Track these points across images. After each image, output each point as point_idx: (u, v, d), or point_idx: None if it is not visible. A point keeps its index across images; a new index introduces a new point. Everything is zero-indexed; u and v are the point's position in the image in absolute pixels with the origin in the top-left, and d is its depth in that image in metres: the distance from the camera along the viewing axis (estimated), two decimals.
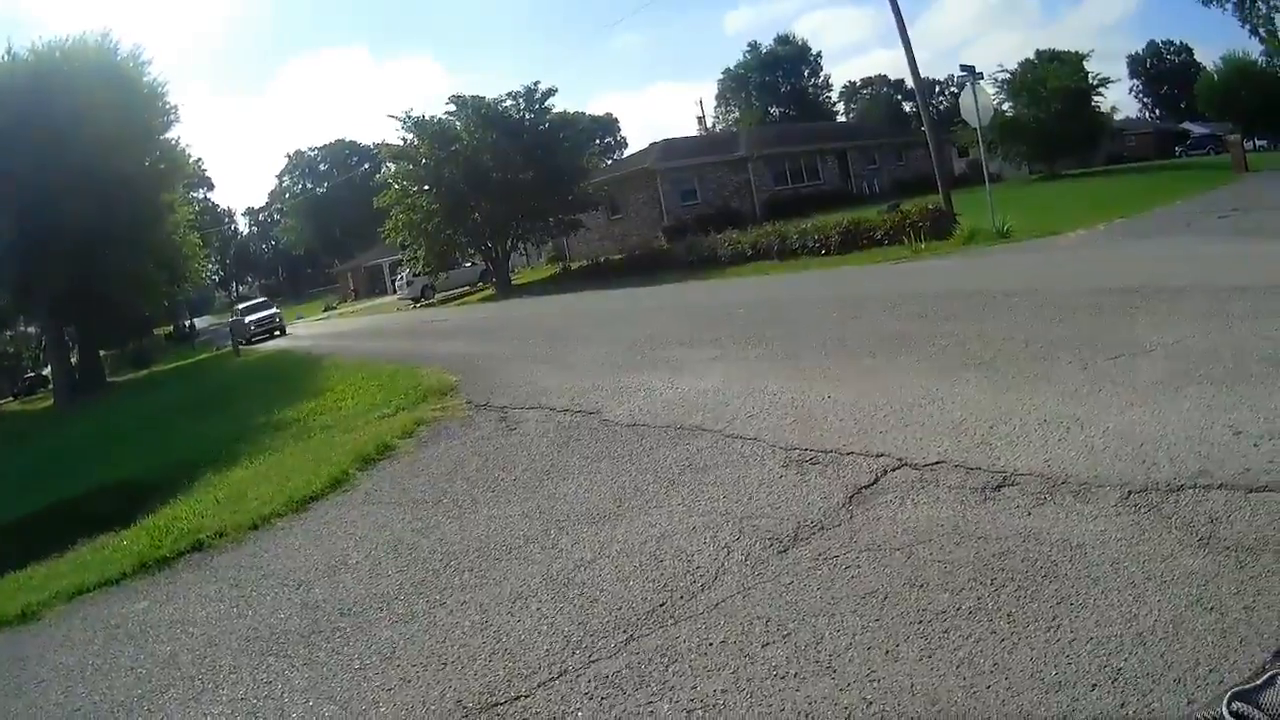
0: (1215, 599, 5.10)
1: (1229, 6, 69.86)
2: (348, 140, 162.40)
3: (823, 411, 10.69)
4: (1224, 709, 1.34)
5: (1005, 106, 72.71)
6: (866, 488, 7.87)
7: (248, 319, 70.90)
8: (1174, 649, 4.72)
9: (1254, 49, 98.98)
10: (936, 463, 8.12)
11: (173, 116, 59.17)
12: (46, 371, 66.31)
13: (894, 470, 8.16)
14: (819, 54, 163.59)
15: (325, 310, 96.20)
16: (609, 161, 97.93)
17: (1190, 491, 6.54)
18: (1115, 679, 4.59)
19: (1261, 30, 68.04)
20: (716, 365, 14.82)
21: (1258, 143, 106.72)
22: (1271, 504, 6.12)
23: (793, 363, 14.08)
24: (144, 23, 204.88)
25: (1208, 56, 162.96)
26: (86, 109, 46.93)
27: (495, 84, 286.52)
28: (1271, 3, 64.96)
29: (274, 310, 73.04)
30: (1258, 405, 8.08)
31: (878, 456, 8.60)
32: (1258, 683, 1.37)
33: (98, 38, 54.05)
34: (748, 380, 13.15)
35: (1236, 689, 1.41)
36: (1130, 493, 6.70)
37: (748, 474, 8.95)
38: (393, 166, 61.93)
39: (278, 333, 67.51)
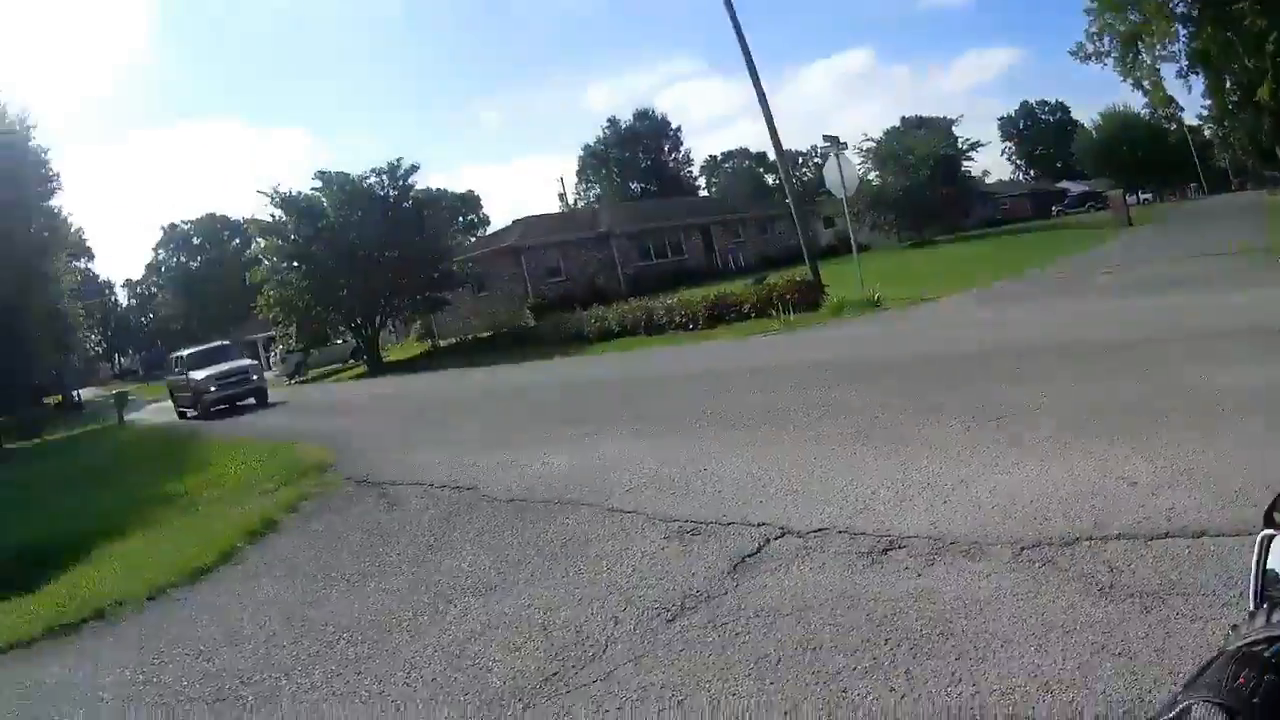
0: (1123, 644, 5.15)
1: (1109, 61, 71.10)
2: (219, 214, 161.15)
3: (701, 483, 10.72)
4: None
5: (871, 175, 73.64)
6: (750, 556, 7.89)
7: (200, 377, 42.11)
8: (1083, 694, 4.75)
9: (1135, 102, 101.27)
10: (820, 529, 8.14)
11: (55, 184, 59.06)
12: None
13: (777, 538, 8.18)
14: (679, 128, 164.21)
15: None
16: (473, 239, 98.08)
17: (1086, 544, 6.62)
18: None
19: (1146, 83, 69.32)
20: (590, 441, 14.82)
21: (1141, 196, 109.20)
22: (1176, 549, 6.23)
23: (667, 437, 14.10)
24: (18, 82, 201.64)
25: (1084, 114, 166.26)
26: None
27: (365, 154, 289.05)
28: (1156, 52, 66.18)
29: (246, 362, 45.16)
30: (1152, 455, 8.22)
31: (759, 525, 8.61)
32: (1170, 715, 1.34)
33: None
34: (623, 454, 13.22)
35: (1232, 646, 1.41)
36: (1023, 548, 6.77)
37: (630, 546, 8.97)
38: (262, 242, 61.32)
39: (253, 399, 42.56)
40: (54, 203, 59.34)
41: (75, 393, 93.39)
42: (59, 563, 14.13)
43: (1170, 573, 5.91)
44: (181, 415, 45.83)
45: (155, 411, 57.83)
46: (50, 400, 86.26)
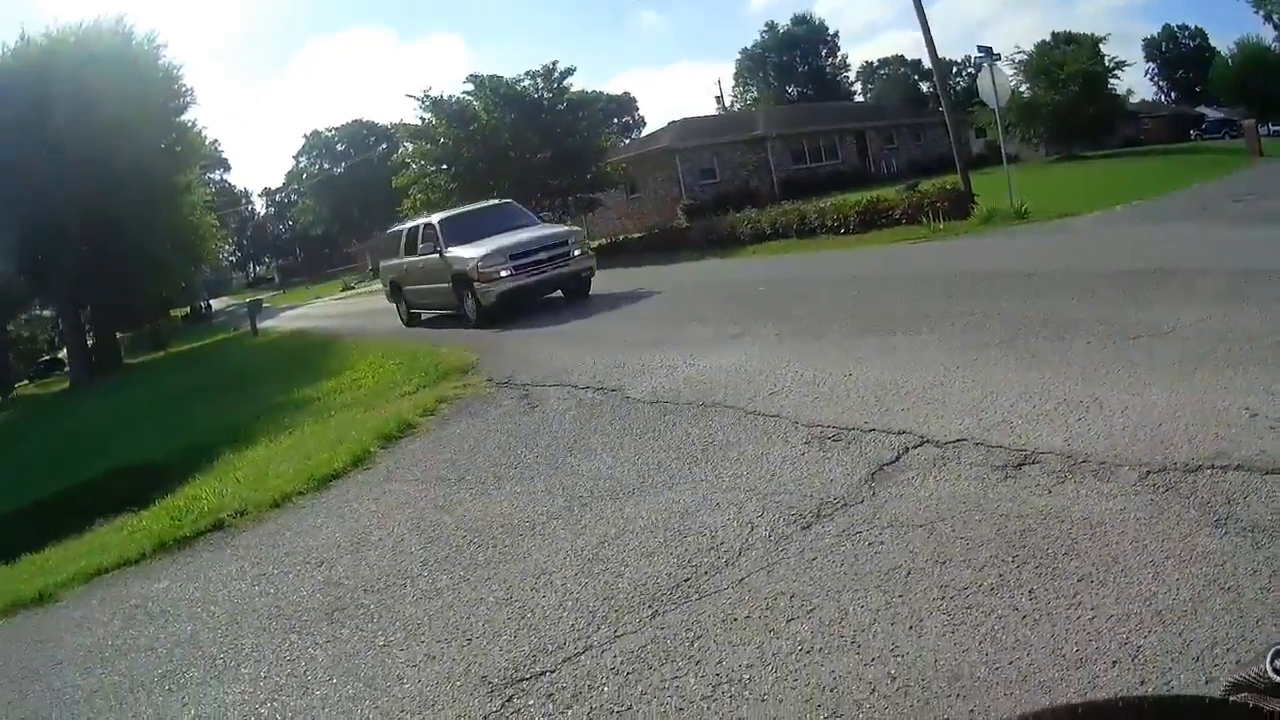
0: (1232, 579, 5.14)
1: None
2: (365, 120, 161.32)
3: (844, 389, 10.67)
4: (1268, 666, 1.28)
5: (1023, 89, 72.33)
6: (889, 465, 7.89)
7: (477, 255, 24.69)
8: (1192, 628, 4.75)
9: (1268, 35, 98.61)
10: (958, 440, 8.14)
11: (188, 99, 59.24)
12: (62, 354, 65.51)
13: (916, 448, 8.17)
14: (836, 34, 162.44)
15: (344, 289, 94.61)
16: (627, 141, 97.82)
17: (1208, 472, 6.56)
18: (1135, 656, 4.63)
19: (1275, 16, 67.72)
20: (738, 343, 14.75)
21: (1272, 128, 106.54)
22: None
23: (814, 340, 14.00)
24: (164, 5, 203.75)
25: (1222, 42, 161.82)
26: (101, 92, 46.81)
27: (518, 61, 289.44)
28: None
29: (556, 229, 28.51)
30: (1273, 389, 8.09)
31: (899, 434, 8.61)
32: (1268, 662, 1.28)
33: (112, 22, 54.01)
34: (769, 358, 13.15)
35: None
36: (1149, 472, 6.72)
37: (770, 451, 8.97)
38: (410, 146, 61.17)
39: (571, 286, 26.77)
40: (187, 117, 59.66)
41: (204, 303, 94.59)
42: (181, 477, 14.34)
43: None
44: (413, 319, 29.57)
45: (291, 319, 58.05)
46: (178, 312, 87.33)
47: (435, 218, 28.73)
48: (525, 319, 22.93)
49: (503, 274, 24.08)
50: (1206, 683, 4.28)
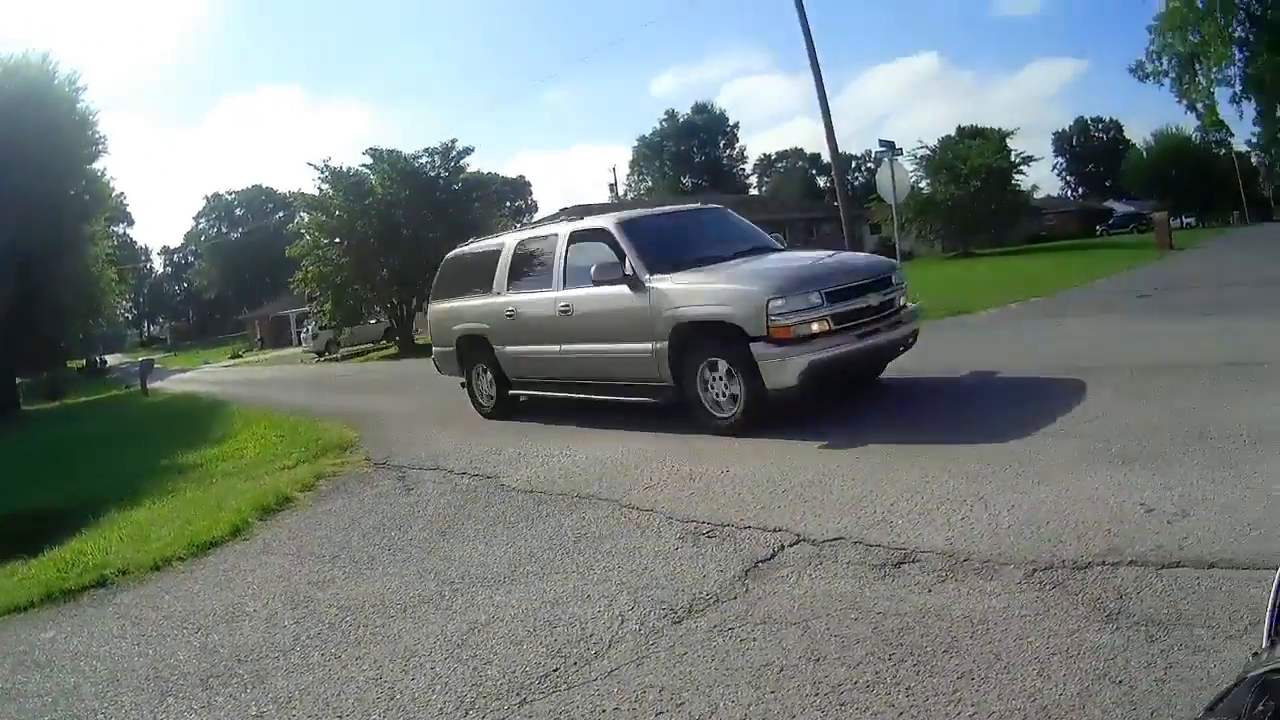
0: (1124, 672, 5.11)
1: (1166, 81, 70.92)
2: (265, 186, 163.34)
3: (720, 485, 10.71)
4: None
5: (923, 184, 73.44)
6: (763, 562, 7.88)
7: (779, 286, 13.23)
8: None
9: (1188, 124, 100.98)
10: (835, 539, 8.13)
11: (101, 147, 59.08)
12: None
13: (791, 546, 8.18)
14: (736, 124, 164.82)
15: (232, 357, 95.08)
16: (518, 225, 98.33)
17: (1098, 569, 6.59)
18: None
19: (1200, 105, 69.11)
20: (615, 436, 14.90)
21: (1184, 220, 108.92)
22: (1185, 579, 6.18)
23: (693, 436, 14.01)
24: (78, 46, 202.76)
25: (1137, 134, 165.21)
26: (20, 129, 46.38)
27: (421, 132, 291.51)
28: (1213, 75, 65.89)
29: (873, 261, 15.97)
30: (1169, 483, 8.17)
31: (775, 531, 8.62)
32: None
33: (39, 58, 53.68)
34: (646, 451, 13.29)
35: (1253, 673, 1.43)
36: (1035, 570, 6.74)
37: (644, 544, 8.96)
38: (306, 217, 61.69)
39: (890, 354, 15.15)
40: (98, 165, 59.44)
41: (100, 358, 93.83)
42: (69, 529, 14.37)
43: (1180, 602, 5.88)
44: (502, 404, 18.45)
45: (180, 381, 57.83)
46: (73, 364, 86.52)
47: (607, 220, 16.38)
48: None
49: (815, 328, 13.08)
50: None
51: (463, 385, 19.57)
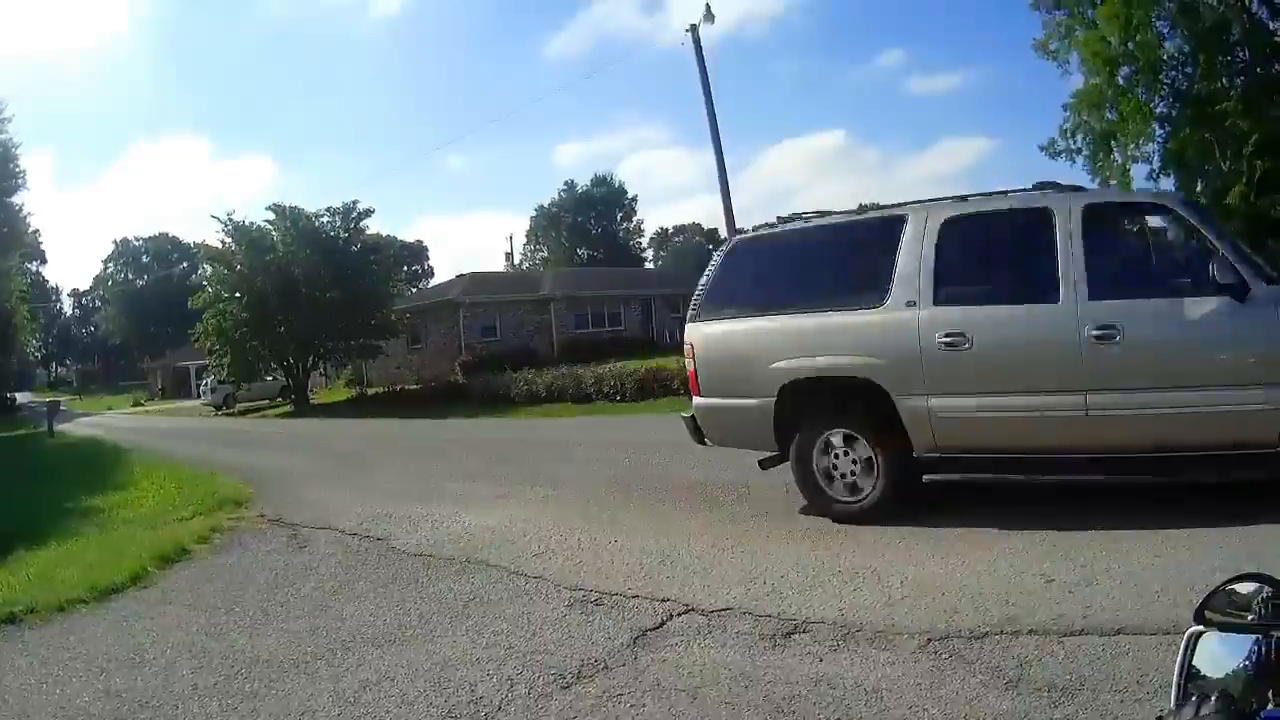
0: None
1: (1079, 159, 71.44)
2: (171, 236, 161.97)
3: (610, 555, 10.74)
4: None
5: None
6: (652, 630, 7.89)
7: None
8: None
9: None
10: (724, 609, 8.16)
11: (20, 181, 58.34)
12: None
13: (680, 615, 8.20)
14: (634, 198, 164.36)
15: (134, 405, 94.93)
16: (414, 290, 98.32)
17: (997, 637, 6.65)
18: None
19: (1114, 181, 69.84)
20: (504, 503, 14.83)
21: None
22: (1090, 646, 6.25)
23: (582, 505, 14.10)
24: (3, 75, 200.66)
25: None
26: None
27: (326, 188, 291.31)
28: (1129, 152, 66.59)
29: None
30: (1071, 554, 8.26)
31: (664, 601, 8.63)
32: None
33: None
34: (536, 519, 13.25)
35: None
36: (930, 640, 6.77)
37: (533, 610, 8.94)
38: (209, 269, 61.66)
39: None
40: (16, 200, 58.73)
41: (10, 395, 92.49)
42: None
43: (1084, 668, 5.94)
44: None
45: (86, 424, 57.14)
46: None
47: (1164, 197, 13.63)
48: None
49: None
50: None
51: (765, 464, 12.37)
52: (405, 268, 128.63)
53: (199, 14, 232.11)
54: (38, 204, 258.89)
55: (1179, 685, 1.85)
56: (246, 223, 57.74)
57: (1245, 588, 2.03)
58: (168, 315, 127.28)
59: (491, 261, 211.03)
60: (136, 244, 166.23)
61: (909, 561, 8.87)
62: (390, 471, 20.88)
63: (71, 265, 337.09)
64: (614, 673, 7.00)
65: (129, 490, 21.06)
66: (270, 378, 66.44)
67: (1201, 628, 1.83)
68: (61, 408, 63.70)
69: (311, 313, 54.65)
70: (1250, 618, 1.93)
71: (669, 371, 35.01)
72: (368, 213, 59.93)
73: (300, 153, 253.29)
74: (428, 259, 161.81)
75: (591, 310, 76.00)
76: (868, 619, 7.38)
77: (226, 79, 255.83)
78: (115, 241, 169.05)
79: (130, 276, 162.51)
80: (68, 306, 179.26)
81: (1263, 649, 1.90)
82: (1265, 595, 1.97)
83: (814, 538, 10.32)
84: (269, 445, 33.25)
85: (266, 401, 68.22)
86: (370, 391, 62.74)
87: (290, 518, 15.31)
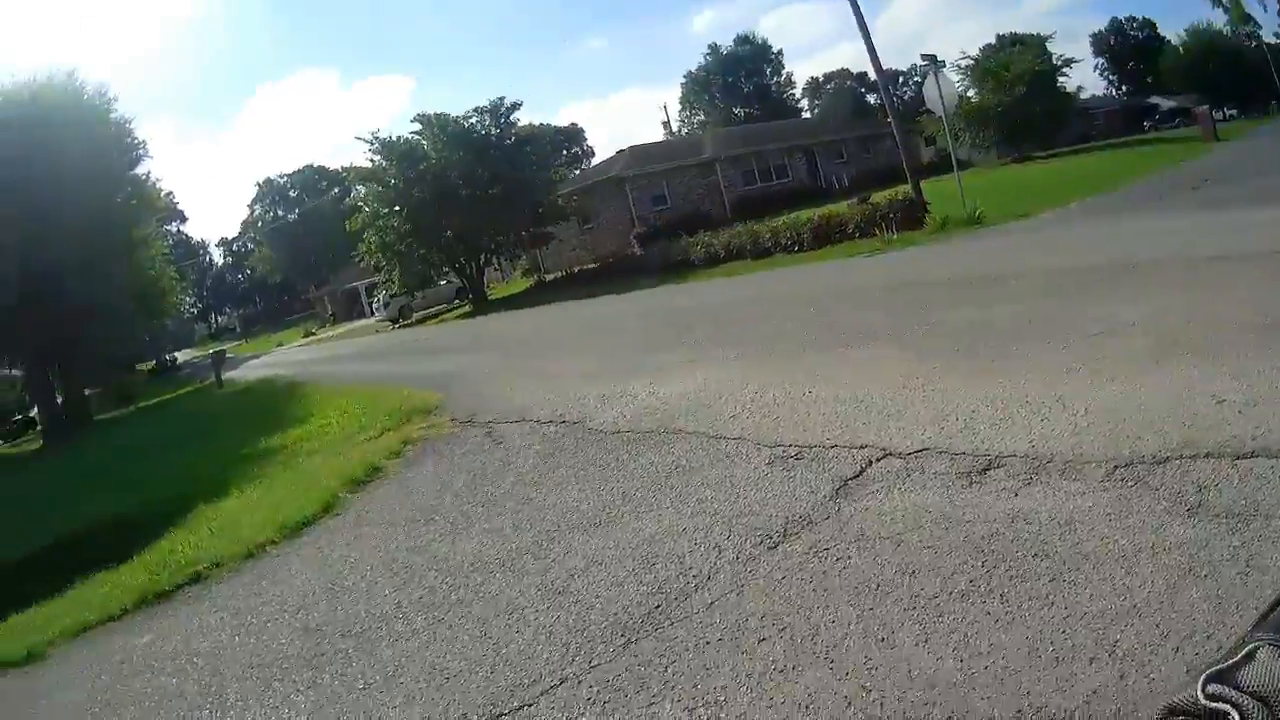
0: (1208, 566, 5.12)
1: None
2: (316, 165, 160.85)
3: (805, 407, 10.66)
4: (1199, 692, 1.23)
5: (970, 93, 72.59)
6: (853, 479, 7.88)
7: None
8: (1169, 618, 4.73)
9: (1218, 20, 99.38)
10: (921, 450, 8.13)
11: (141, 152, 58.94)
12: (34, 413, 64.92)
13: (879, 460, 8.17)
14: (780, 52, 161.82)
15: (305, 336, 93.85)
16: (577, 172, 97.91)
17: (1176, 462, 6.55)
18: (1112, 652, 4.59)
19: (1225, 1, 67.77)
20: (697, 368, 14.67)
21: (1227, 113, 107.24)
22: (1260, 469, 6.14)
23: (773, 360, 14.03)
24: (111, 56, 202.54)
25: (1171, 30, 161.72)
26: (56, 149, 46.50)
27: (466, 97, 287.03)
28: None
29: None
30: (1239, 373, 8.09)
31: (862, 448, 8.60)
32: (1235, 659, 1.25)
33: (64, 77, 53.71)
34: (729, 381, 13.11)
35: (1212, 669, 1.27)
36: (1116, 467, 6.71)
37: (734, 473, 8.96)
38: (362, 189, 61.73)
39: None
40: (140, 170, 59.48)
41: (170, 356, 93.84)
42: (156, 531, 14.20)
43: (1256, 493, 5.84)
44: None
45: (255, 367, 57.48)
46: (143, 366, 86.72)
47: None
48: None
49: None
50: (1186, 672, 4.18)
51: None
52: (565, 152, 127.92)
53: None
54: (174, 165, 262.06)
55: None
56: (394, 137, 57.65)
57: None
58: (325, 244, 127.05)
59: (650, 135, 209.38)
60: (281, 181, 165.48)
61: (1092, 387, 8.78)
62: (577, 353, 20.89)
63: (218, 217, 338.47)
64: (818, 526, 7.04)
65: (311, 422, 21.11)
66: (444, 282, 66.92)
67: None
68: (228, 356, 64.20)
69: (474, 212, 54.49)
70: None
71: (842, 217, 35.09)
72: (516, 106, 59.42)
73: (434, 65, 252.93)
74: (585, 140, 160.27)
75: (757, 166, 75.54)
76: (1057, 449, 7.34)
77: (343, 7, 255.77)
78: (258, 183, 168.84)
79: (281, 213, 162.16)
80: (218, 257, 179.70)
81: None
82: None
83: (1001, 369, 10.26)
84: (452, 348, 33.08)
85: (444, 305, 68.50)
86: (548, 278, 62.90)
87: (483, 416, 15.24)
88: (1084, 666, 4.55)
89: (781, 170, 76.60)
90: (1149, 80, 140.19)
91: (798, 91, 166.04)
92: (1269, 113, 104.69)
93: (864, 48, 36.24)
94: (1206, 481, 6.17)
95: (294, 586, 9.49)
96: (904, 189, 35.74)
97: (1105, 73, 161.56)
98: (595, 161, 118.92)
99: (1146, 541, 5.58)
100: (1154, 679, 4.33)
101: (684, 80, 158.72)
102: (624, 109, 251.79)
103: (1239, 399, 7.46)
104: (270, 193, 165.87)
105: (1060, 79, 76.16)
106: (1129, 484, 6.43)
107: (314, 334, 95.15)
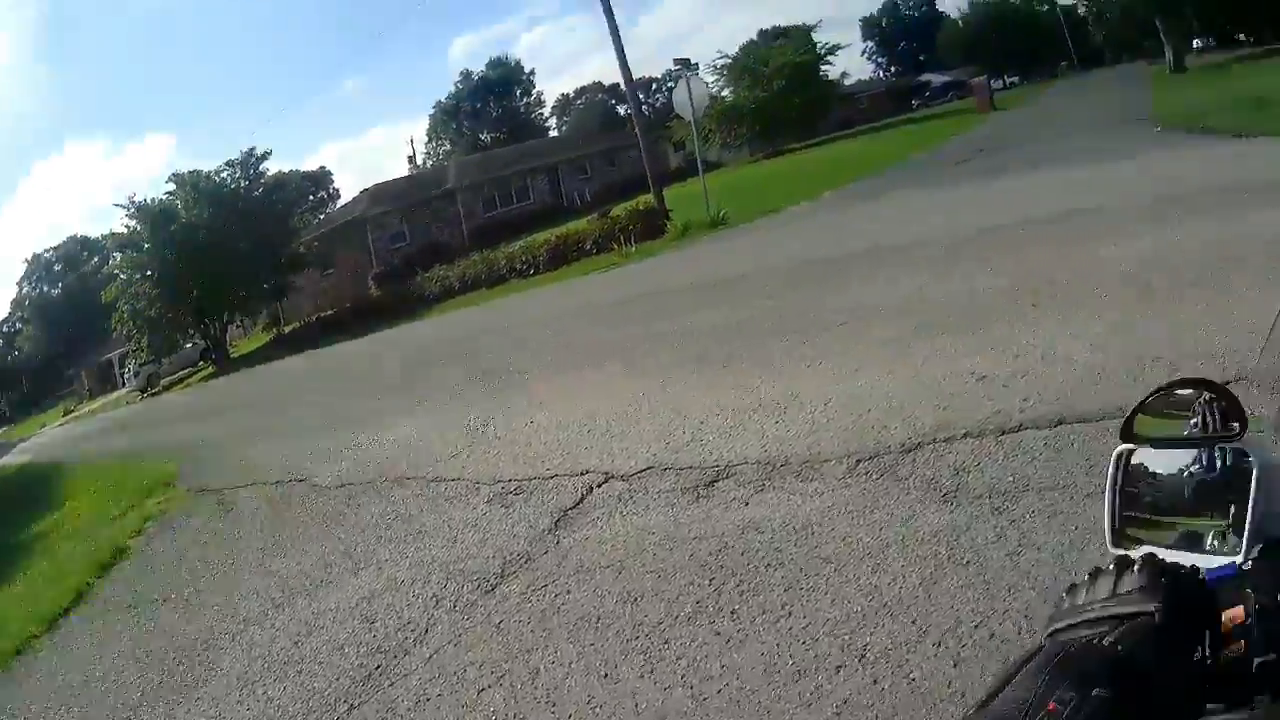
0: (971, 552, 5.00)
1: None
2: (79, 236, 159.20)
3: (526, 437, 10.62)
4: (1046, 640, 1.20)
5: (725, 92, 73.76)
6: (572, 509, 7.80)
7: None
8: (927, 613, 4.60)
9: None
10: (644, 470, 8.06)
11: None
12: None
13: (600, 486, 8.12)
14: (532, 71, 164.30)
15: (65, 414, 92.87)
16: (321, 217, 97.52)
17: (929, 448, 6.49)
18: (862, 657, 4.46)
19: None
20: (420, 409, 14.73)
21: (1008, 81, 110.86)
22: (1030, 442, 6.08)
23: (495, 392, 13.98)
24: None
25: (952, 5, 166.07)
26: None
27: (226, 149, 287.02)
28: None
29: None
30: (1001, 346, 8.11)
31: (583, 474, 8.54)
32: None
33: None
34: (450, 417, 13.12)
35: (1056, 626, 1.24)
36: (858, 461, 6.61)
37: (452, 516, 8.88)
38: (119, 256, 60.82)
39: None
40: None
41: None
42: None
43: (1025, 468, 5.77)
44: None
45: (19, 452, 56.58)
46: None
47: None
48: None
49: None
50: (954, 665, 4.13)
51: None
52: (310, 197, 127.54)
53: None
54: None
55: (1113, 512, 1.55)
56: (149, 200, 56.80)
57: (1181, 395, 1.72)
58: (87, 317, 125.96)
59: (396, 172, 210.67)
60: (47, 255, 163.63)
61: (833, 380, 8.72)
62: (307, 408, 20.87)
63: None
64: (536, 563, 6.93)
65: (66, 506, 20.49)
66: (189, 345, 65.85)
67: (1131, 445, 1.53)
68: None
69: (220, 268, 54.02)
70: (1188, 431, 1.62)
71: (580, 234, 35.60)
72: (266, 155, 59.79)
73: (195, 121, 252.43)
74: (332, 183, 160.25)
75: (498, 191, 76.10)
76: (793, 451, 7.22)
77: (109, 70, 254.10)
78: (26, 260, 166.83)
79: (45, 289, 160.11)
80: None
81: (1205, 462, 1.60)
82: (1204, 401, 1.64)
83: (735, 374, 10.15)
84: (192, 416, 32.51)
85: (190, 369, 67.27)
86: (288, 329, 62.75)
87: (214, 484, 14.87)
88: (830, 676, 4.40)
89: (523, 193, 77.18)
90: (922, 59, 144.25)
91: (547, 110, 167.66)
92: (1058, 74, 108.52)
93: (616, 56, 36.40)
94: (965, 464, 6.09)
95: (56, 682, 9.03)
96: (646, 199, 36.37)
97: (874, 56, 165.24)
98: (340, 204, 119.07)
99: (895, 535, 5.45)
100: (915, 679, 4.18)
101: (433, 110, 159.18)
102: (376, 147, 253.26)
103: (1002, 374, 7.46)
104: (37, 269, 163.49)
105: (824, 67, 77.86)
106: (873, 477, 6.33)
107: (73, 410, 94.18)
